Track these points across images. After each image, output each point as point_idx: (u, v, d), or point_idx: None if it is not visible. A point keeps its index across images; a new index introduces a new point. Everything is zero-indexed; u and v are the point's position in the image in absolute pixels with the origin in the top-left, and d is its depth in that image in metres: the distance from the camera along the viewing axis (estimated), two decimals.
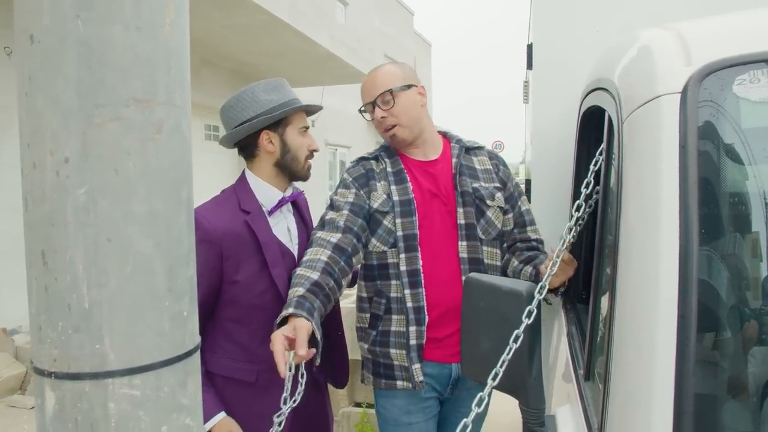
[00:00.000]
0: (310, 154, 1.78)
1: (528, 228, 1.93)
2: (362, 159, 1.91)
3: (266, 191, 1.72)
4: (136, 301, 0.70)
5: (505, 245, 1.91)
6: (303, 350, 1.31)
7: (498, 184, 1.88)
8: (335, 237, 1.68)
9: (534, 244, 1.91)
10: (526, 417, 1.17)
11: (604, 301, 1.15)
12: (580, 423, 1.14)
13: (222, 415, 1.60)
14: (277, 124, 1.71)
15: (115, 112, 0.68)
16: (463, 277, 1.75)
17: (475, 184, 1.84)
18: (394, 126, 1.79)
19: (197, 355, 0.79)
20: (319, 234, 1.70)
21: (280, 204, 1.73)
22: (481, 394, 1.13)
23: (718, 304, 0.86)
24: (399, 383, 1.78)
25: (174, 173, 0.74)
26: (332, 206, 1.79)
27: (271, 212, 1.71)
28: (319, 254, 1.62)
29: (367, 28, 12.67)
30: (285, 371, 1.29)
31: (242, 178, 1.75)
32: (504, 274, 1.89)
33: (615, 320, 0.97)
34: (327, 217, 1.75)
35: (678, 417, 0.80)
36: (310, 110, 1.83)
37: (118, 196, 0.69)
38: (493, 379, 1.12)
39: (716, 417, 0.83)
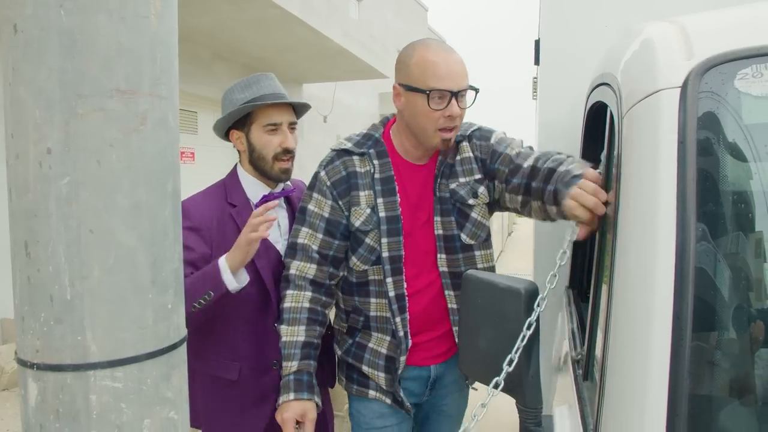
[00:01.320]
0: (283, 152, 1.67)
1: (517, 160, 1.54)
2: (345, 152, 1.64)
3: (254, 186, 1.72)
4: (119, 293, 0.70)
5: (513, 194, 1.54)
6: None
7: (479, 175, 1.63)
8: (311, 272, 1.60)
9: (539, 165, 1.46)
10: (523, 416, 1.15)
11: (604, 299, 1.13)
12: (577, 423, 1.13)
13: None
14: (243, 122, 1.68)
15: (98, 103, 0.68)
16: (446, 292, 1.64)
17: (453, 185, 1.62)
18: (454, 129, 1.54)
19: (183, 349, 0.79)
20: (293, 269, 1.60)
21: (265, 200, 1.69)
22: (482, 402, 1.12)
23: (715, 303, 0.84)
24: (371, 393, 1.70)
25: (159, 165, 0.73)
26: (305, 220, 1.63)
27: (257, 206, 1.68)
28: (300, 301, 1.59)
29: (380, 23, 12.63)
30: None
31: (233, 172, 1.76)
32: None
33: (611, 318, 0.95)
34: (299, 240, 1.62)
35: (671, 418, 0.78)
36: (297, 107, 1.74)
37: (100, 188, 0.68)
38: (496, 387, 1.11)
39: (709, 418, 0.81)
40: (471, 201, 1.63)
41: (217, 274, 1.48)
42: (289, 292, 1.61)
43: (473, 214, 1.64)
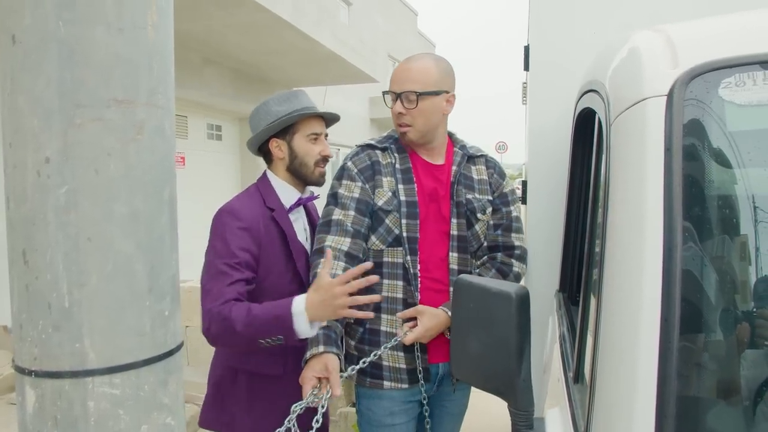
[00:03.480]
0: (322, 159, 1.83)
1: (513, 234, 1.88)
2: (369, 146, 1.85)
3: (286, 191, 1.82)
4: (117, 301, 0.71)
5: (485, 245, 1.87)
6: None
7: (490, 197, 1.86)
8: (345, 244, 1.69)
9: (504, 262, 1.87)
10: (515, 419, 1.16)
11: (593, 303, 1.15)
12: (568, 426, 1.14)
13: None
14: (285, 131, 1.79)
15: (96, 113, 0.68)
16: (452, 288, 1.74)
17: (470, 195, 1.82)
18: (407, 125, 1.75)
19: (179, 355, 0.79)
20: (329, 241, 1.69)
21: (299, 203, 1.81)
22: None
23: (702, 307, 0.86)
24: (386, 383, 1.78)
25: (156, 174, 0.74)
26: (337, 202, 1.76)
27: (290, 210, 1.80)
28: (334, 269, 1.64)
29: (370, 28, 12.65)
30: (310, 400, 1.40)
31: (264, 178, 1.85)
32: None
33: (600, 322, 0.97)
34: (334, 217, 1.73)
35: (660, 420, 0.80)
36: (327, 118, 1.88)
37: (98, 196, 0.69)
38: (487, 390, 1.13)
39: (698, 419, 0.83)
40: (479, 215, 1.82)
41: (290, 324, 1.46)
42: (324, 260, 1.63)
43: (476, 227, 1.82)
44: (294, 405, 1.30)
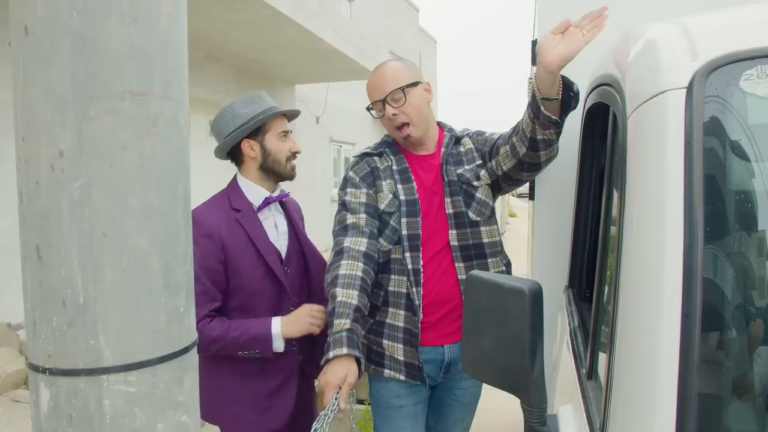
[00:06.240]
0: (292, 155, 1.92)
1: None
2: (366, 155, 1.93)
3: (254, 191, 1.90)
4: (132, 297, 0.69)
5: (504, 149, 1.77)
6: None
7: (480, 161, 1.88)
8: (363, 244, 1.75)
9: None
10: (528, 416, 1.15)
11: (608, 298, 1.13)
12: (582, 422, 1.13)
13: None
14: (256, 132, 1.87)
15: (111, 105, 0.67)
16: (456, 264, 1.82)
17: (459, 170, 1.86)
18: (405, 124, 1.81)
19: (194, 352, 0.78)
20: (348, 242, 1.75)
21: (267, 202, 1.89)
22: None
23: (723, 303, 0.84)
24: (386, 372, 1.85)
25: (171, 167, 0.73)
26: (347, 208, 1.83)
27: (259, 209, 1.87)
28: (354, 269, 1.70)
29: (371, 24, 12.63)
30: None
31: (233, 181, 1.93)
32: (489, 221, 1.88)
33: (617, 318, 0.95)
34: (349, 221, 1.81)
35: (681, 417, 0.78)
36: (290, 115, 1.96)
37: (113, 191, 0.68)
38: (500, 386, 1.12)
39: (720, 417, 0.82)
40: (475, 182, 1.85)
41: (269, 341, 1.75)
42: (344, 262, 1.74)
43: (478, 194, 1.85)
44: (318, 419, 1.36)
